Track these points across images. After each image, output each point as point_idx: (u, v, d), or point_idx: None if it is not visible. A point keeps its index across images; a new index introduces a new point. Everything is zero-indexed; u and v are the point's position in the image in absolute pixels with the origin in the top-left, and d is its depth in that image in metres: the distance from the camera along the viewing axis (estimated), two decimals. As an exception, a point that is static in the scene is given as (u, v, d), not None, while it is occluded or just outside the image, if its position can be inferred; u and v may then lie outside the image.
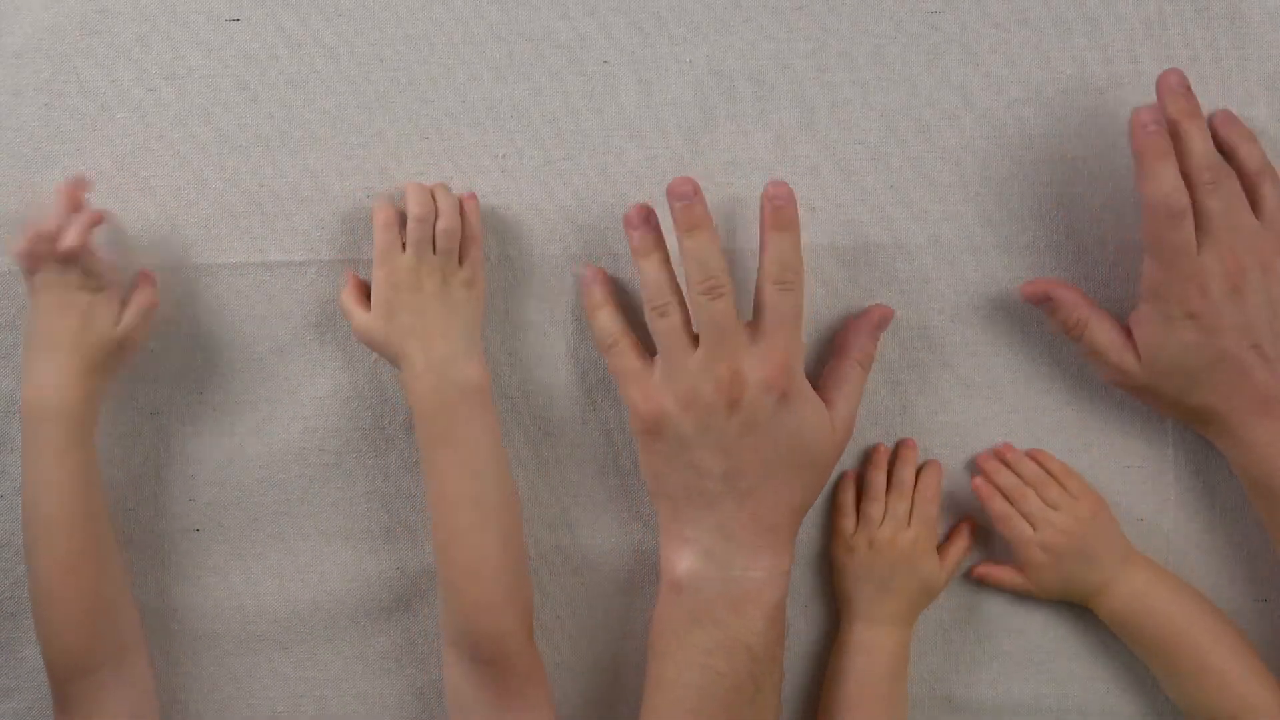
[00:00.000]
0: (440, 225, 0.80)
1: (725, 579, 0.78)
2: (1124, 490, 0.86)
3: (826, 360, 0.84)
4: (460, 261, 0.81)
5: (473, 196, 0.83)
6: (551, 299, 0.85)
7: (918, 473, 0.85)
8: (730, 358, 0.77)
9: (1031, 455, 0.85)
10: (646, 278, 0.79)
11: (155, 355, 0.84)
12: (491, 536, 0.79)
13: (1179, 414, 0.82)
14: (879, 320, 0.83)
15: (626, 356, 0.80)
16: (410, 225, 0.80)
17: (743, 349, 0.77)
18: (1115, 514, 0.85)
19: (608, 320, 0.81)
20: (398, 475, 0.85)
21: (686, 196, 0.77)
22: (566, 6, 0.84)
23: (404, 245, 0.80)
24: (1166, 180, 0.76)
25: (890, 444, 0.86)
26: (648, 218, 0.79)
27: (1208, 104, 0.83)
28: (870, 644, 0.84)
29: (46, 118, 0.84)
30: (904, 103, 0.84)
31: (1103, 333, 0.81)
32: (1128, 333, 0.81)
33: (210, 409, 0.85)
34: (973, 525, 0.86)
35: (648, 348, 0.80)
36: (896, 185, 0.84)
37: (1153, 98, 0.81)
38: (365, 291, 0.82)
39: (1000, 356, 0.84)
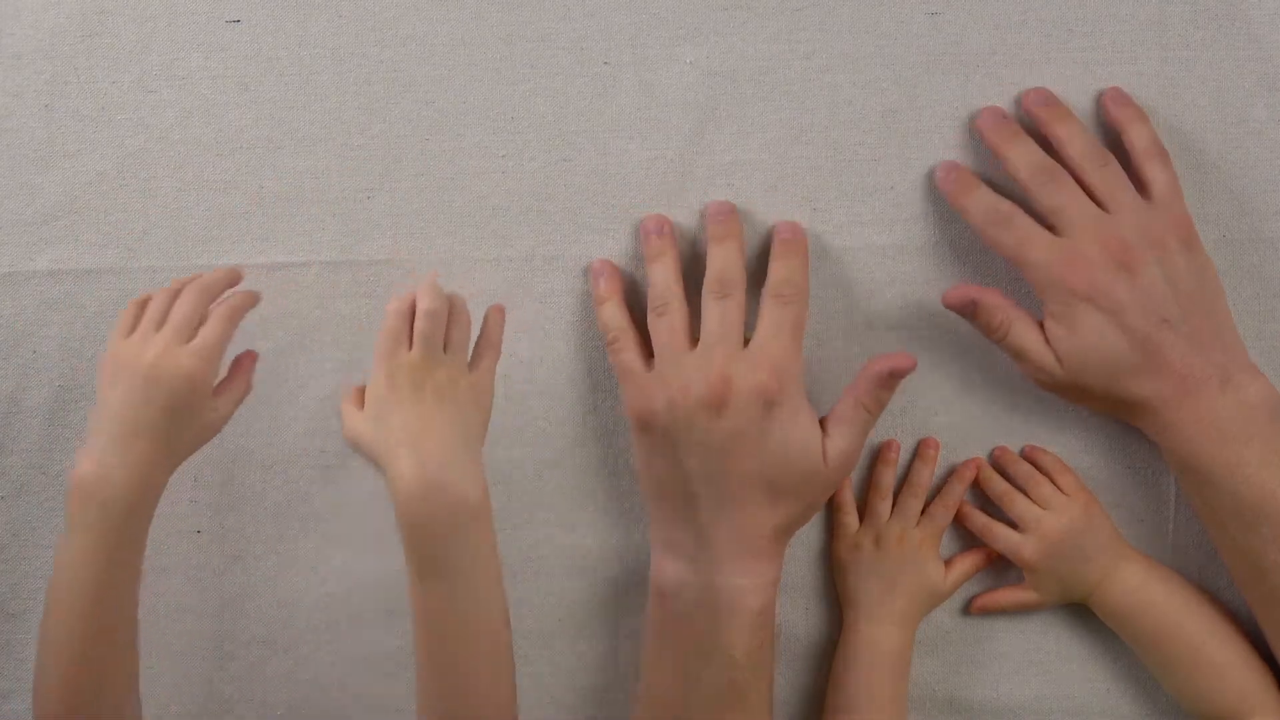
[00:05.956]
0: (456, 321, 0.76)
1: (707, 586, 0.78)
2: (1124, 490, 0.86)
3: (821, 377, 0.84)
4: (472, 367, 0.76)
5: (500, 309, 0.81)
6: (551, 300, 0.85)
7: (947, 478, 0.85)
8: (723, 360, 0.78)
9: (1027, 452, 0.85)
10: (654, 280, 0.81)
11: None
12: (484, 673, 0.71)
13: (1108, 408, 0.81)
14: (893, 370, 0.79)
15: (627, 352, 0.81)
16: (420, 318, 0.74)
17: (736, 353, 0.78)
18: (1115, 514, 0.85)
19: (612, 314, 0.82)
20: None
21: (724, 212, 0.81)
22: (567, 8, 0.84)
23: (410, 343, 0.74)
24: (979, 203, 0.80)
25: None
26: (662, 227, 0.82)
27: (1208, 105, 0.83)
28: (874, 643, 0.84)
29: (47, 119, 0.84)
30: (904, 104, 0.84)
31: (1026, 333, 0.81)
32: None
33: (211, 410, 0.85)
34: (991, 552, 0.86)
35: (651, 348, 0.81)
36: (897, 186, 0.84)
37: (1153, 101, 0.82)
38: (364, 396, 0.75)
39: (1000, 356, 0.84)
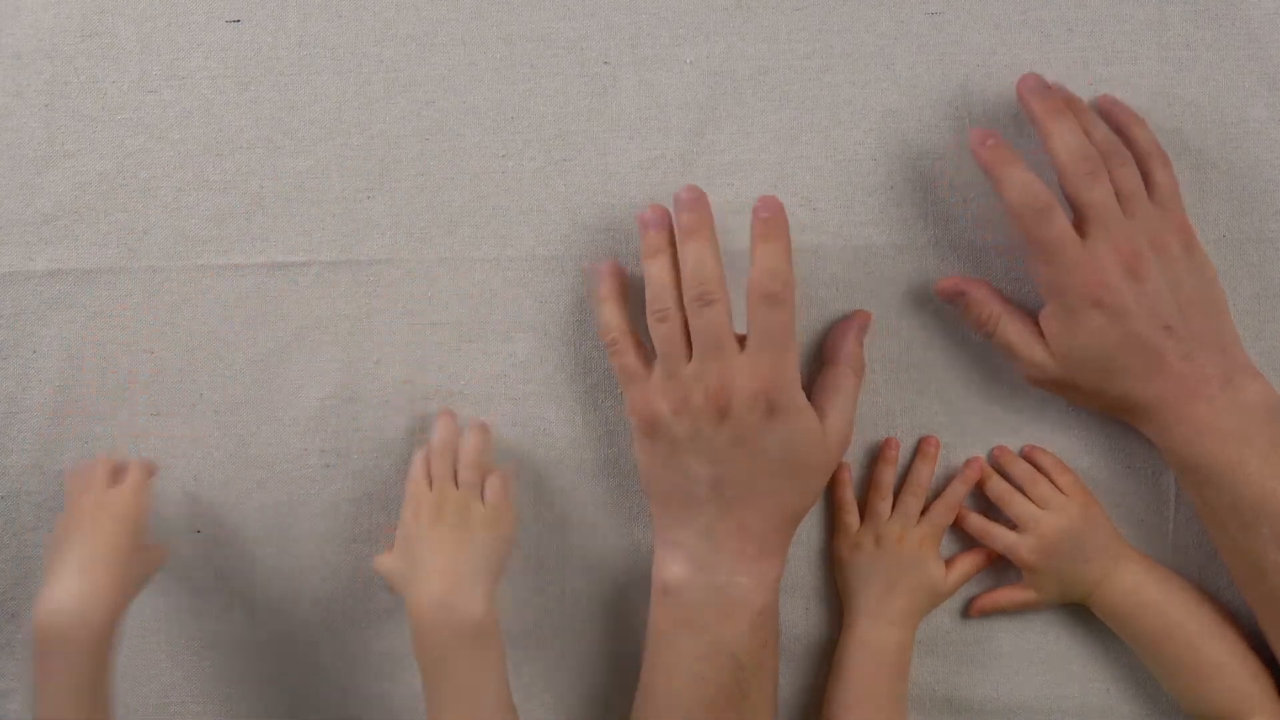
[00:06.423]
0: (462, 459, 0.82)
1: (711, 585, 0.78)
2: (1124, 490, 0.86)
3: (817, 366, 0.84)
4: (484, 494, 0.81)
5: (481, 428, 0.84)
6: (551, 300, 0.85)
7: (948, 479, 0.85)
8: (720, 368, 0.77)
9: (1026, 452, 0.85)
10: (651, 280, 0.79)
11: (156, 358, 0.84)
12: None
13: (1102, 406, 0.81)
14: (862, 325, 0.83)
15: (627, 355, 0.80)
16: (432, 457, 0.82)
17: (732, 359, 0.77)
18: (1115, 514, 0.85)
19: (611, 315, 0.81)
20: (398, 478, 0.85)
21: (689, 204, 0.78)
22: (567, 7, 0.84)
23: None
24: (1018, 183, 0.77)
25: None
26: (662, 219, 0.80)
27: (1207, 104, 0.83)
28: (875, 642, 0.84)
29: (46, 119, 0.84)
30: (904, 103, 0.84)
31: (1013, 328, 0.81)
32: (1040, 328, 0.81)
33: (211, 410, 0.85)
34: (992, 552, 0.86)
35: (651, 348, 0.80)
36: (896, 185, 0.84)
37: (1153, 100, 0.82)
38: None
39: (1001, 356, 0.84)
